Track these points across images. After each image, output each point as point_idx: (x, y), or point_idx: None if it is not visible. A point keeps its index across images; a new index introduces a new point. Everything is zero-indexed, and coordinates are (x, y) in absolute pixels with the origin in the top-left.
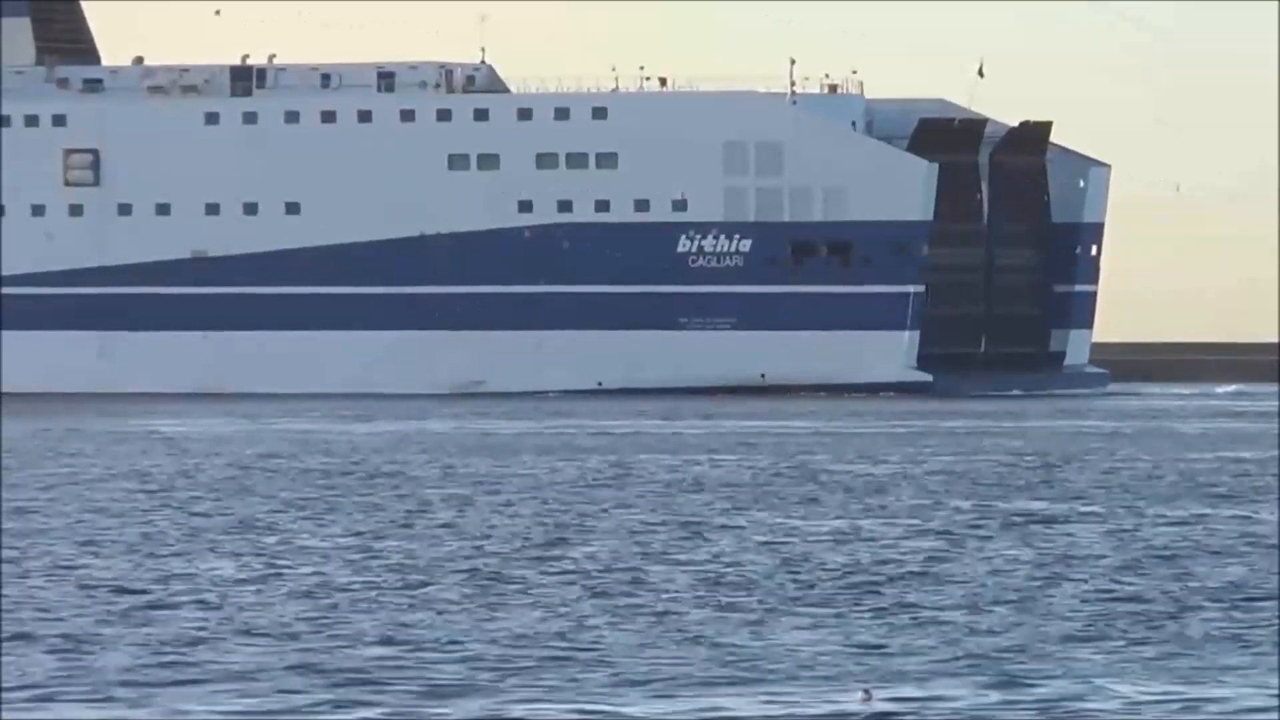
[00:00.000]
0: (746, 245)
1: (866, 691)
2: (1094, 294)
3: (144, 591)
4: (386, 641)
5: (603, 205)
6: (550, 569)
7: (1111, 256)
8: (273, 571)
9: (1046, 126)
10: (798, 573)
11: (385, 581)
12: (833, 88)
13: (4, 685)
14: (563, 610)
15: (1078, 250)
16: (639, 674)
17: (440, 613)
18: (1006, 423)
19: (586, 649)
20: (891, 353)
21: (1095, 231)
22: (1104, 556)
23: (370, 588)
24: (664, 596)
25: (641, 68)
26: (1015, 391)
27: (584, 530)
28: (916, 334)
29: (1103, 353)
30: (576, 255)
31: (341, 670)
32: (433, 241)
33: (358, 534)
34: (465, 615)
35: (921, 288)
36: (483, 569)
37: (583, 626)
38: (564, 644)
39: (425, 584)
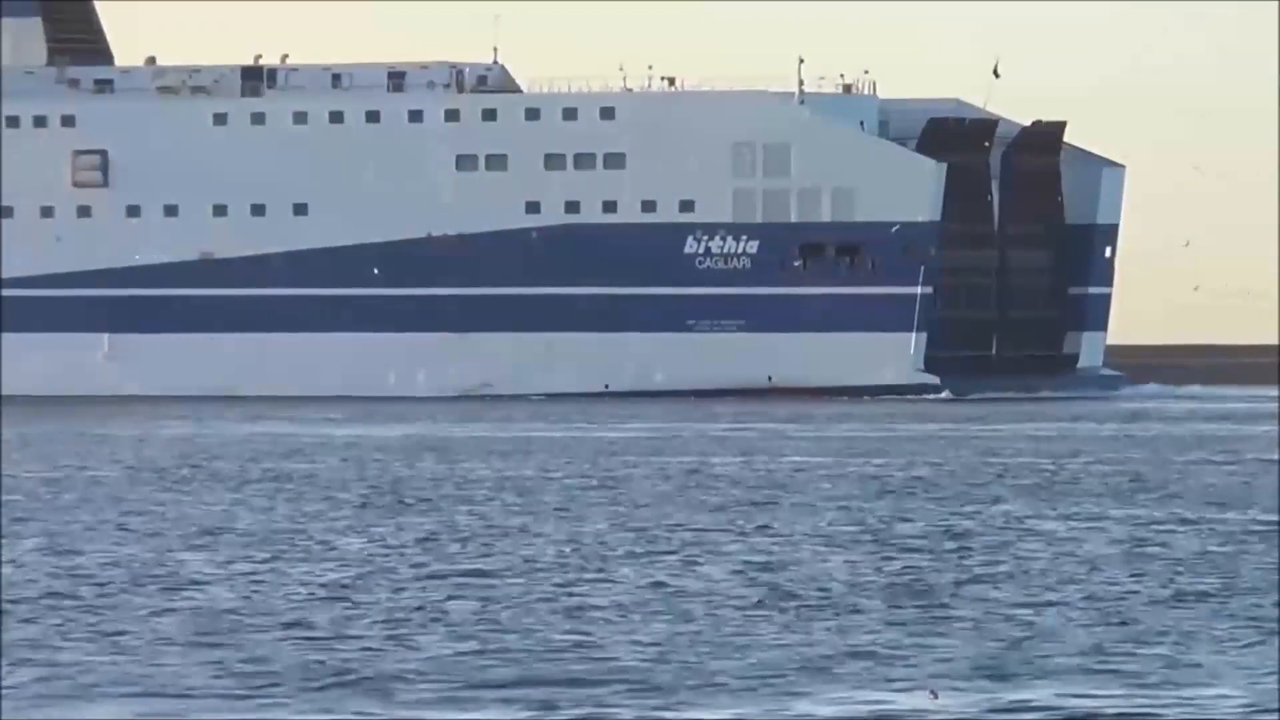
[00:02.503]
0: (754, 246)
1: (933, 692)
2: (1108, 296)
3: None
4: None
5: (610, 206)
6: None
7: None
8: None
9: (1060, 126)
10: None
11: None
12: (847, 88)
13: None
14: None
15: (1092, 251)
16: (709, 675)
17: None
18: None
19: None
20: (899, 355)
21: (1110, 233)
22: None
23: None
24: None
25: (650, 67)
26: (1033, 393)
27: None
28: (924, 336)
29: (1112, 354)
30: (584, 257)
31: None
32: (440, 243)
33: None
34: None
35: (929, 289)
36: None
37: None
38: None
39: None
